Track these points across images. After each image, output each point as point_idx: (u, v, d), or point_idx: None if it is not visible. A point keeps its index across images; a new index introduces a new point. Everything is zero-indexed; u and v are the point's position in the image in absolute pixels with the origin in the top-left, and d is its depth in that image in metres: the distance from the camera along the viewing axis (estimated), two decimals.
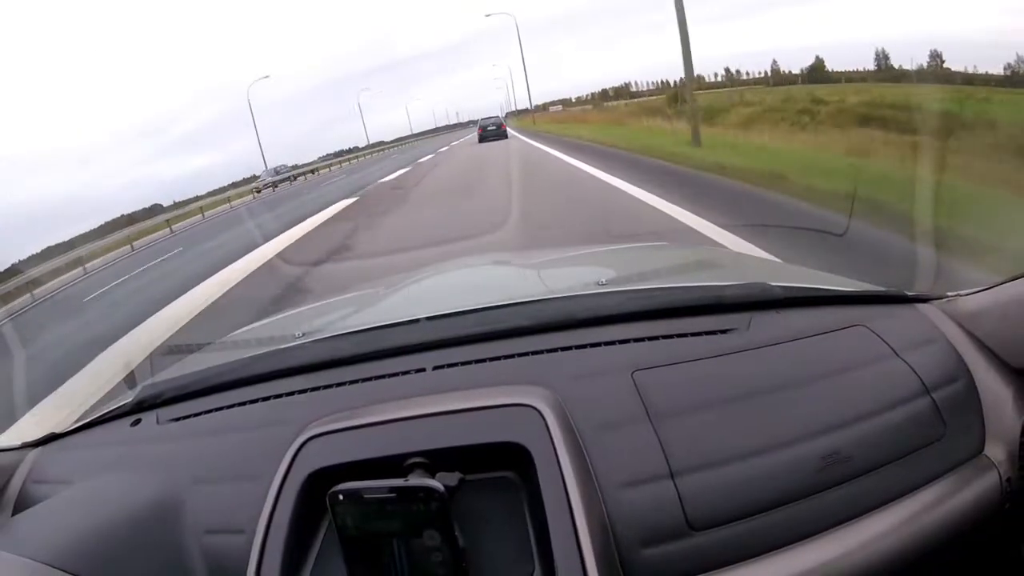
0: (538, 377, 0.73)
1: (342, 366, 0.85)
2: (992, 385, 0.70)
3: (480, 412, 0.68)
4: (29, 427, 2.74)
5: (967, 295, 0.78)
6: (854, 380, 0.70)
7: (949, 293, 0.81)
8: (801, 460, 0.63)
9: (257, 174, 26.47)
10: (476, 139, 23.35)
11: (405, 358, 0.83)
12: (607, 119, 20.62)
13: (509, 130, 24.21)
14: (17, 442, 0.96)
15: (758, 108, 11.84)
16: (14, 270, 11.32)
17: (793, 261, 1.88)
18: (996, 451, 0.67)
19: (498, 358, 0.79)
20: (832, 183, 3.95)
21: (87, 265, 12.51)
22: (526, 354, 0.79)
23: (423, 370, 0.80)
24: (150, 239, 15.48)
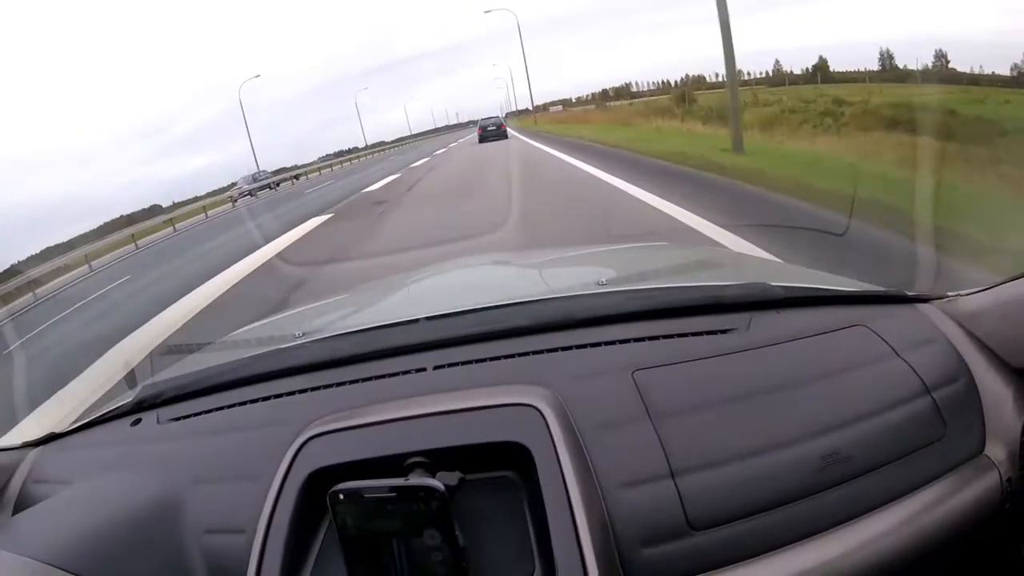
0: (538, 377, 0.73)
1: (342, 366, 0.85)
2: (992, 385, 0.70)
3: (480, 412, 0.68)
4: (29, 427, 2.74)
5: (967, 295, 0.78)
6: (854, 380, 0.70)
7: (949, 293, 0.81)
8: (801, 460, 0.63)
9: (235, 181, 23.86)
10: (476, 139, 23.37)
11: (405, 358, 0.83)
12: (613, 119, 19.98)
13: (512, 132, 24.15)
14: (17, 442, 0.96)
15: (775, 109, 11.30)
16: (13, 270, 11.26)
17: (795, 261, 1.88)
18: (996, 451, 0.67)
19: (498, 358, 0.79)
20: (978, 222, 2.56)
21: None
22: (526, 354, 0.79)
23: (423, 370, 0.80)
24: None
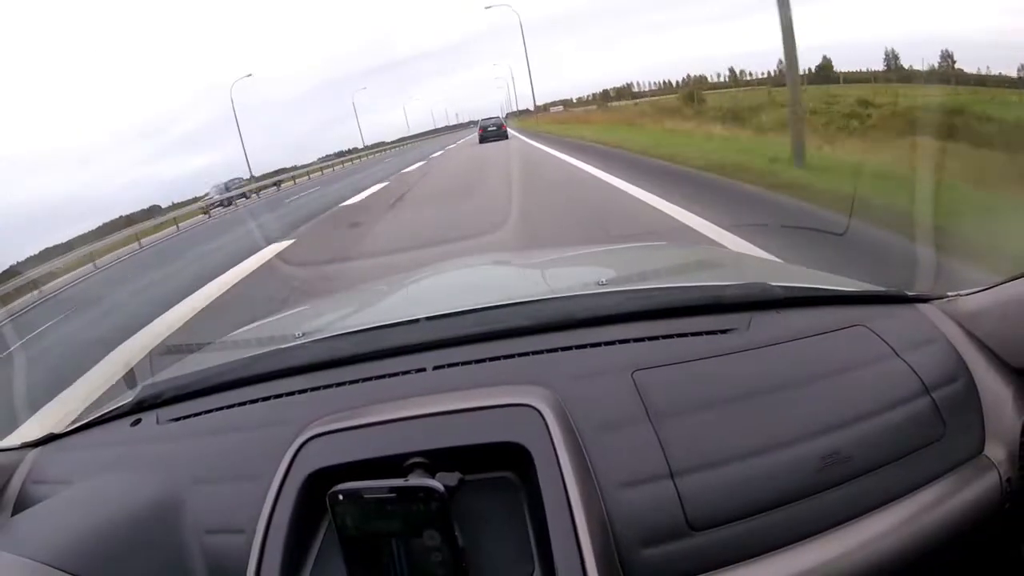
0: (538, 377, 0.73)
1: (342, 366, 0.85)
2: (992, 385, 0.70)
3: (480, 412, 0.68)
4: (30, 430, 2.74)
5: (967, 295, 0.78)
6: (854, 380, 0.70)
7: (949, 293, 0.81)
8: (801, 460, 0.63)
9: (208, 191, 21.53)
10: (476, 140, 23.36)
11: (405, 358, 0.83)
12: (617, 120, 18.94)
13: (513, 132, 24.07)
14: (17, 442, 0.96)
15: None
16: (13, 271, 11.19)
17: (795, 261, 1.87)
18: (996, 451, 0.67)
19: (498, 358, 0.79)
20: None
21: None
22: (526, 354, 0.79)
23: (423, 370, 0.80)
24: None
